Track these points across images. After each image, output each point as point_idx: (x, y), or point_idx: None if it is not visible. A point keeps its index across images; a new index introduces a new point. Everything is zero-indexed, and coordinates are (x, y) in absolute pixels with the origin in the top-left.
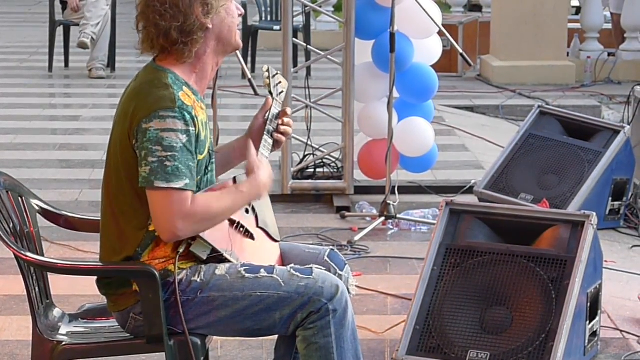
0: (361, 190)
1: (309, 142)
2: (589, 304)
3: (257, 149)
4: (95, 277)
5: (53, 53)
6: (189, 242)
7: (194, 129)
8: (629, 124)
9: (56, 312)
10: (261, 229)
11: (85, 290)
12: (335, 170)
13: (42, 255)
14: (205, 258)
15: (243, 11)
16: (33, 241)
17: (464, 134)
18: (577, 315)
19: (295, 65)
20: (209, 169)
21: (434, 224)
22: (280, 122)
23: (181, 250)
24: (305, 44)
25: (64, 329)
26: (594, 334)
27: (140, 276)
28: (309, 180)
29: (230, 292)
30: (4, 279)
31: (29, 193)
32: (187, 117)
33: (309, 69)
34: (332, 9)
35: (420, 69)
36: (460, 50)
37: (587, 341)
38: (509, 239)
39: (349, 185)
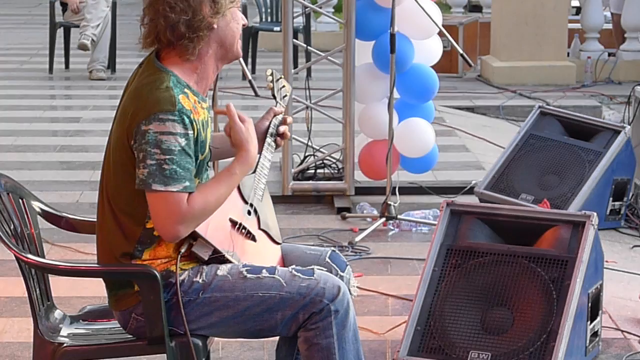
0: (362, 191)
1: (310, 143)
2: (590, 304)
3: (260, 151)
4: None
5: (53, 55)
6: (190, 242)
7: (192, 132)
8: (629, 124)
9: (57, 313)
10: (263, 230)
11: (86, 292)
12: (335, 171)
13: (43, 257)
14: (206, 258)
15: (246, 22)
16: (34, 243)
17: (464, 134)
18: (578, 316)
19: (295, 66)
20: (209, 165)
21: (434, 225)
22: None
23: (183, 250)
24: (305, 45)
25: (65, 331)
26: (595, 334)
27: (141, 277)
28: (310, 181)
29: (232, 293)
30: (5, 281)
31: (30, 195)
32: (186, 120)
33: (309, 70)
34: (332, 10)
35: (421, 70)
36: (461, 51)
37: (588, 341)
38: (509, 239)
39: (349, 186)
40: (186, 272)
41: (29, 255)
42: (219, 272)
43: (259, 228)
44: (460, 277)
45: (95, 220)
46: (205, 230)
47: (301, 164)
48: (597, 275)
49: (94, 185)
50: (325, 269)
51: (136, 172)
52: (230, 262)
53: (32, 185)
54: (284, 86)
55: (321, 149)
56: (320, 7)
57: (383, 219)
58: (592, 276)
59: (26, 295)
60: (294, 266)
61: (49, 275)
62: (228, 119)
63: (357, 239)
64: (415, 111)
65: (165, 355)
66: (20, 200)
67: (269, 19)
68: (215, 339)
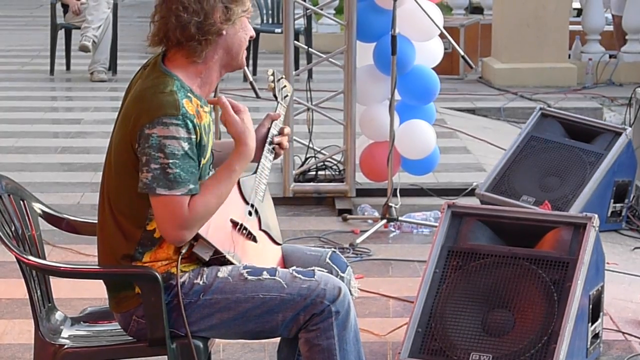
0: (363, 192)
1: (311, 145)
2: (591, 306)
3: (258, 159)
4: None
5: (54, 56)
6: (191, 243)
7: (195, 136)
8: (630, 126)
9: (58, 315)
10: (264, 231)
11: (87, 294)
12: (336, 172)
13: (44, 258)
14: (207, 259)
15: (254, 34)
16: (35, 244)
17: (465, 136)
18: (579, 318)
19: (296, 67)
20: (211, 167)
21: (435, 227)
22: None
23: (183, 251)
24: (306, 47)
25: (66, 332)
26: (596, 336)
27: (142, 279)
28: (311, 183)
29: (233, 295)
30: (6, 283)
31: (31, 196)
32: (190, 125)
33: (310, 71)
34: (334, 12)
35: (422, 72)
36: (462, 53)
37: (589, 343)
38: (510, 241)
39: (350, 187)
40: (187, 274)
41: (30, 257)
42: (220, 274)
43: (260, 229)
44: (461, 278)
45: (96, 221)
46: (206, 231)
47: (302, 165)
48: (598, 277)
49: (95, 187)
50: (326, 270)
51: (139, 176)
52: (231, 263)
53: (33, 186)
54: (285, 86)
55: (322, 151)
56: (322, 9)
57: (384, 221)
58: (593, 278)
59: (27, 296)
60: (294, 267)
61: (50, 276)
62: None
63: (358, 240)
64: (416, 113)
65: (166, 357)
66: (21, 202)
67: (270, 21)
68: (217, 340)
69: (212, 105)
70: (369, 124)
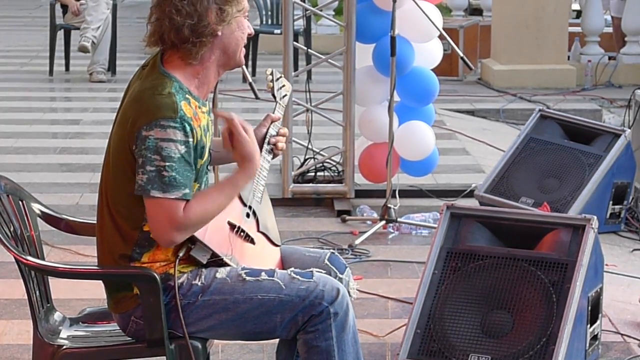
0: (362, 193)
1: (310, 146)
2: (589, 308)
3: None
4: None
5: (54, 57)
6: (189, 246)
7: (192, 140)
8: (629, 128)
9: (57, 315)
10: (262, 233)
11: (85, 294)
12: (335, 173)
13: (43, 259)
14: (205, 262)
15: (253, 32)
16: (33, 245)
17: (464, 137)
18: (578, 319)
19: (296, 69)
20: (209, 168)
21: (434, 228)
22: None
23: (181, 254)
24: (305, 48)
25: (64, 333)
26: (594, 337)
27: (141, 280)
28: (310, 184)
29: (231, 296)
30: (5, 283)
31: (30, 197)
32: (187, 127)
33: (309, 72)
34: (333, 13)
35: (421, 73)
36: (461, 54)
37: (588, 345)
38: (509, 242)
39: (349, 188)
40: (185, 275)
41: (29, 257)
42: (218, 275)
43: (258, 230)
44: (460, 280)
45: (95, 222)
46: (204, 234)
47: (301, 166)
48: (597, 279)
49: (94, 188)
50: (325, 272)
51: (136, 178)
52: (229, 265)
53: (32, 187)
54: (283, 85)
55: (321, 152)
56: (321, 10)
57: (383, 222)
58: (592, 279)
59: (26, 297)
60: (292, 269)
61: (49, 277)
62: (225, 124)
63: (357, 241)
64: (416, 114)
65: (165, 357)
66: (20, 202)
67: (270, 22)
68: (215, 341)
69: (210, 105)
70: (368, 125)
